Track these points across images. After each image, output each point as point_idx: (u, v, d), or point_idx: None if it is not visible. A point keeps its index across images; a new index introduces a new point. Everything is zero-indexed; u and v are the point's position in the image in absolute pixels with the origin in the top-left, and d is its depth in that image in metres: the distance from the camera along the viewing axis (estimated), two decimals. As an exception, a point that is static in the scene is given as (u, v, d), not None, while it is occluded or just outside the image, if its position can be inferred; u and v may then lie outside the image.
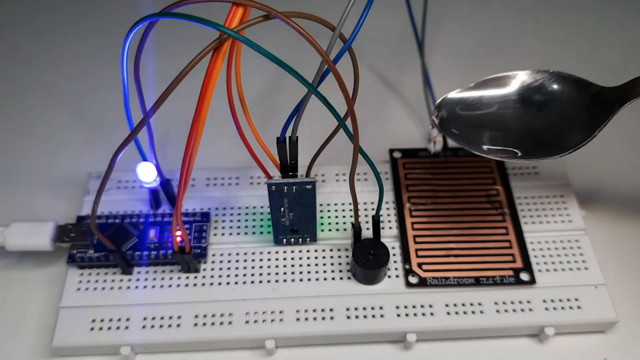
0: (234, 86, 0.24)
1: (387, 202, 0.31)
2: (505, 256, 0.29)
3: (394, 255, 0.29)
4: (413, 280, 0.28)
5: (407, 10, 0.35)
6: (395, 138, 0.36)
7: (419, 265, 0.29)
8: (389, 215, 0.31)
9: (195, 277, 0.28)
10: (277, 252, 0.29)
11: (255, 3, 0.19)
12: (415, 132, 0.37)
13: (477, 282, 0.28)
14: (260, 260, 0.29)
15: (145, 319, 0.27)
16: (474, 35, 0.44)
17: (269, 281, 0.28)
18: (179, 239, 0.26)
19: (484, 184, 0.32)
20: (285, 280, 0.28)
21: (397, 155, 0.33)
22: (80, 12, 0.45)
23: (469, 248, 0.29)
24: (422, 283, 0.28)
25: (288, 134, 0.25)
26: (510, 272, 0.28)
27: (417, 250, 0.29)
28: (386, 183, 0.32)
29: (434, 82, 0.38)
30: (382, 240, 0.28)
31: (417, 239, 0.29)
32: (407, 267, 0.28)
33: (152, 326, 0.27)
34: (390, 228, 0.30)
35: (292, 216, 0.28)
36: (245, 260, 0.29)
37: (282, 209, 0.27)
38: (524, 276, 0.28)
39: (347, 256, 0.29)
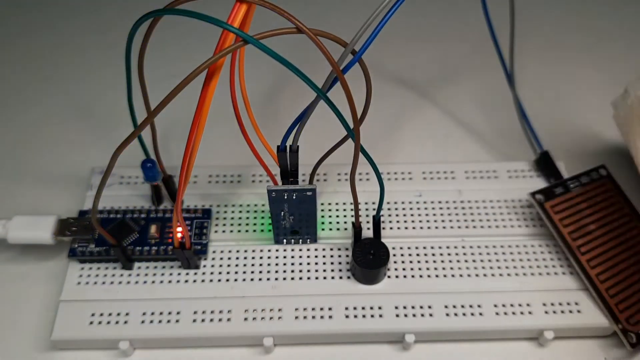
0: (237, 86, 0.24)
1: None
2: None
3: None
4: (632, 339, 0.26)
5: (492, 40, 0.33)
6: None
7: (627, 320, 0.26)
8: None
9: (195, 274, 0.28)
10: (277, 251, 0.29)
11: (259, 1, 0.19)
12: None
13: None
14: (261, 258, 0.29)
15: (144, 314, 0.27)
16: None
17: (268, 279, 0.28)
18: (179, 235, 0.26)
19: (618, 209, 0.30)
20: (285, 279, 0.28)
21: (540, 198, 0.30)
22: (85, 8, 0.45)
23: None
24: None
25: (289, 142, 0.25)
26: None
27: (617, 304, 0.27)
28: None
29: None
30: (383, 240, 0.28)
31: (611, 291, 0.27)
32: (620, 327, 0.26)
33: (151, 321, 0.27)
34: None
35: (293, 220, 0.28)
36: (245, 258, 0.29)
37: (282, 212, 0.27)
38: None
39: (347, 256, 0.29)
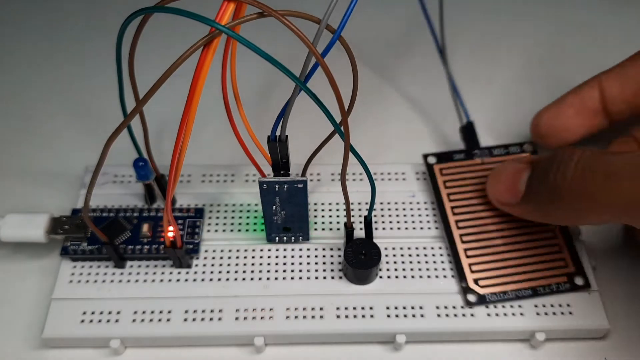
0: (229, 84, 0.24)
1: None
2: (557, 262, 0.28)
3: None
4: (472, 298, 0.27)
5: (424, 14, 0.33)
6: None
7: (475, 281, 0.27)
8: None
9: (187, 273, 0.28)
10: (269, 250, 0.29)
11: (248, -1, 0.19)
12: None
13: (535, 293, 0.27)
14: (252, 257, 0.29)
15: (135, 312, 0.27)
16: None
17: (260, 279, 0.28)
18: (170, 234, 0.26)
19: None
20: (276, 278, 0.28)
21: (431, 160, 0.31)
22: (84, 8, 0.45)
23: (522, 257, 0.28)
24: (482, 301, 0.27)
25: (279, 132, 0.25)
26: (564, 279, 0.28)
27: (470, 265, 0.28)
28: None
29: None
30: (375, 240, 0.28)
31: (469, 253, 0.28)
32: (464, 285, 0.27)
33: (143, 320, 0.27)
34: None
35: (284, 215, 0.28)
36: (237, 257, 0.29)
37: (274, 207, 0.27)
38: (578, 280, 0.28)
39: (339, 256, 0.29)
